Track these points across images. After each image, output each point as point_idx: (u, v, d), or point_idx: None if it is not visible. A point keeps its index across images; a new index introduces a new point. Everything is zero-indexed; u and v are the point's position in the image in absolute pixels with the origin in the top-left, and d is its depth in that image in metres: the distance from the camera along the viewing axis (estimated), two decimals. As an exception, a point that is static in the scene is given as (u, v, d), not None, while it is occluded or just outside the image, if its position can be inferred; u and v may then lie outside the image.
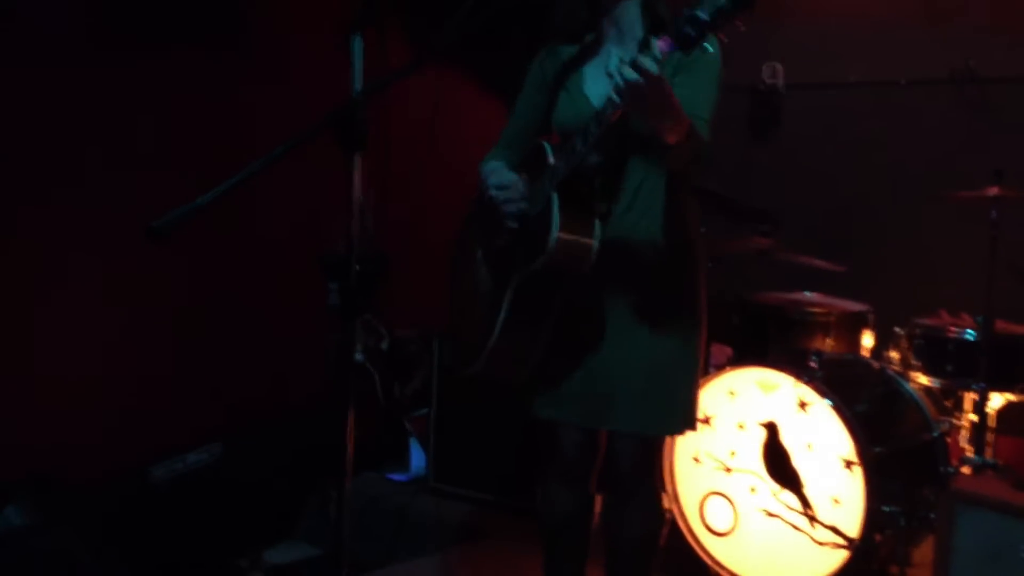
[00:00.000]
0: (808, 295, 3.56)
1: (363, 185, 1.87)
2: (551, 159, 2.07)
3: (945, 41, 3.87)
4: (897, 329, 3.35)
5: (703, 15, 1.65)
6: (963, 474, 3.08)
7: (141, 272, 3.10)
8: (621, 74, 1.74)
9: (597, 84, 2.17)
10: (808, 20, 4.19)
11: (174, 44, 3.24)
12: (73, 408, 3.03)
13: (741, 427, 3.04)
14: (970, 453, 3.19)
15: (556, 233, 1.98)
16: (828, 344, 3.28)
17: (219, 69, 3.38)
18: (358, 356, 3.63)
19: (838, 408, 2.85)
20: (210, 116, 3.34)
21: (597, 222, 2.04)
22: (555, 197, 2.01)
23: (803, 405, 2.93)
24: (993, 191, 3.03)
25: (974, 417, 3.19)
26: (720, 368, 3.19)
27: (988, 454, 3.20)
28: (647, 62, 1.71)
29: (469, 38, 2.17)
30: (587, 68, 2.22)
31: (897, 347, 3.34)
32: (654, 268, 2.17)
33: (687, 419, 2.28)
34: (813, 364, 3.07)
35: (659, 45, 1.71)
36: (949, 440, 3.14)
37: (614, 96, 1.80)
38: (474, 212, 2.40)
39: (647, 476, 2.30)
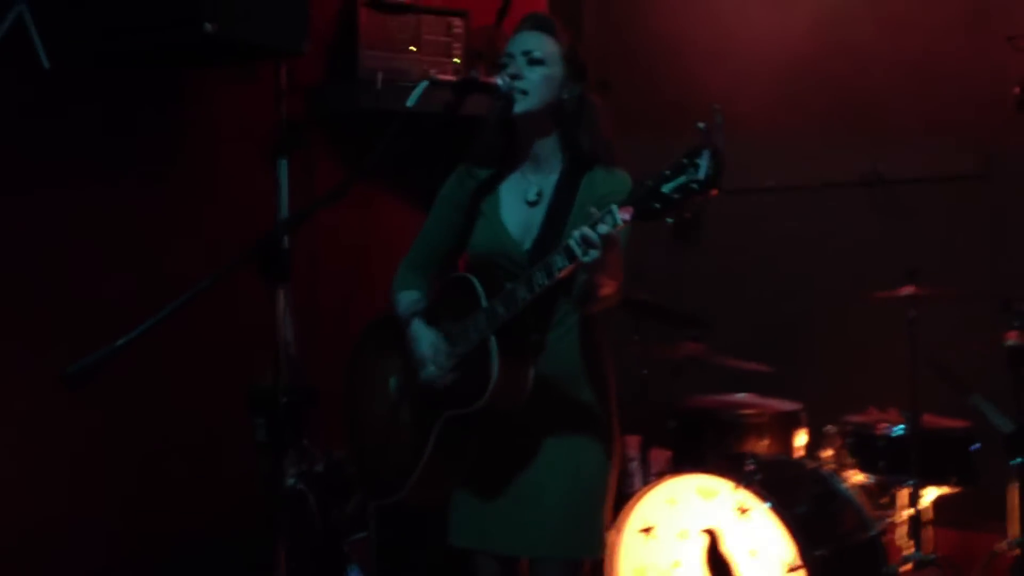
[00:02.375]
0: (741, 396, 3.60)
1: (292, 313, 1.88)
2: (484, 301, 2.06)
3: (854, 146, 4.04)
4: (829, 427, 3.39)
5: (672, 193, 1.67)
6: (904, 573, 3.08)
7: (57, 408, 2.99)
8: (586, 241, 1.78)
9: (513, 211, 2.21)
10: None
11: (99, 174, 3.22)
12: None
13: (683, 536, 3.02)
14: (909, 549, 3.21)
15: (495, 379, 1.99)
16: (763, 445, 3.31)
17: (146, 199, 3.36)
18: (293, 481, 3.54)
19: (777, 511, 2.86)
20: (136, 246, 3.30)
21: (531, 367, 2.05)
22: (493, 341, 2.01)
23: (743, 510, 2.93)
24: (908, 290, 3.13)
25: (910, 512, 3.22)
26: (660, 476, 3.19)
27: (927, 549, 3.21)
28: (611, 231, 1.75)
29: (396, 158, 2.20)
30: (503, 194, 2.24)
31: (830, 445, 3.37)
32: (570, 393, 2.18)
33: (603, 541, 2.27)
34: (750, 467, 3.08)
35: (622, 215, 1.75)
36: (888, 537, 3.15)
37: (569, 255, 1.83)
38: (376, 333, 2.39)
39: None
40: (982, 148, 3.77)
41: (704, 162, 1.64)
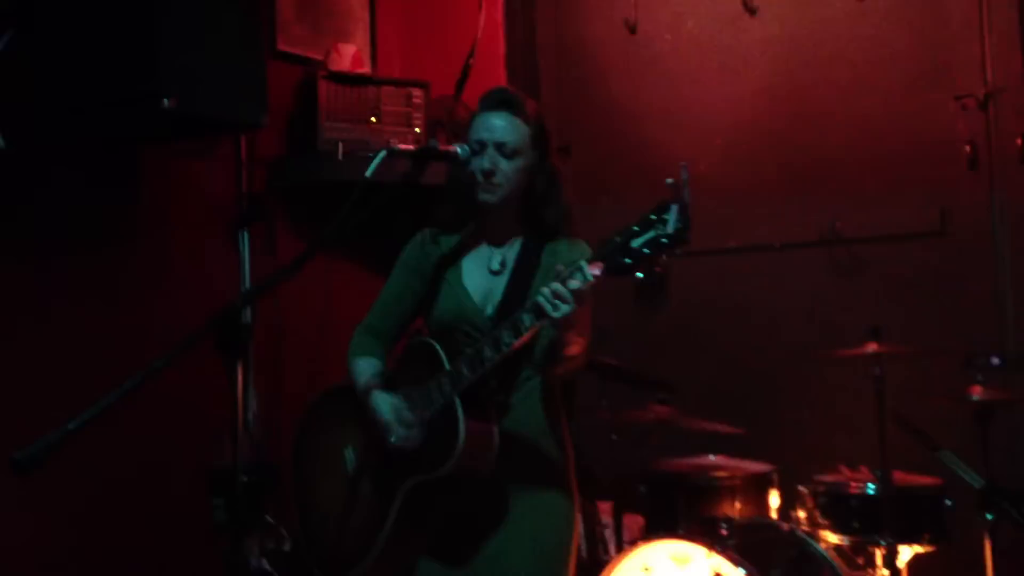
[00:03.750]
0: (712, 458, 3.57)
1: (254, 388, 1.83)
2: (447, 365, 2.05)
3: (812, 206, 4.10)
4: (801, 488, 3.36)
5: (642, 248, 1.69)
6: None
7: (11, 489, 2.89)
8: (557, 295, 1.78)
9: (476, 279, 2.21)
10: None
11: (57, 251, 3.17)
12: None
13: (659, 605, 2.96)
14: (888, 610, 3.16)
15: (463, 441, 1.97)
16: (736, 508, 3.27)
17: (105, 276, 3.31)
18: (257, 562, 3.44)
19: (753, 577, 2.81)
20: (94, 324, 3.24)
21: (496, 428, 2.03)
22: (459, 404, 1.99)
23: (718, 576, 2.88)
24: (872, 348, 3.14)
25: (886, 572, 3.18)
26: (633, 543, 3.14)
27: (905, 609, 3.17)
28: (581, 286, 1.76)
29: (357, 228, 2.19)
30: (465, 261, 2.25)
31: (803, 506, 3.34)
32: (535, 456, 2.16)
33: None
34: (724, 531, 3.04)
35: (592, 271, 1.76)
36: (866, 599, 3.11)
37: (537, 312, 1.83)
38: (327, 405, 2.35)
39: None
40: (937, 205, 3.83)
41: (672, 216, 1.67)
